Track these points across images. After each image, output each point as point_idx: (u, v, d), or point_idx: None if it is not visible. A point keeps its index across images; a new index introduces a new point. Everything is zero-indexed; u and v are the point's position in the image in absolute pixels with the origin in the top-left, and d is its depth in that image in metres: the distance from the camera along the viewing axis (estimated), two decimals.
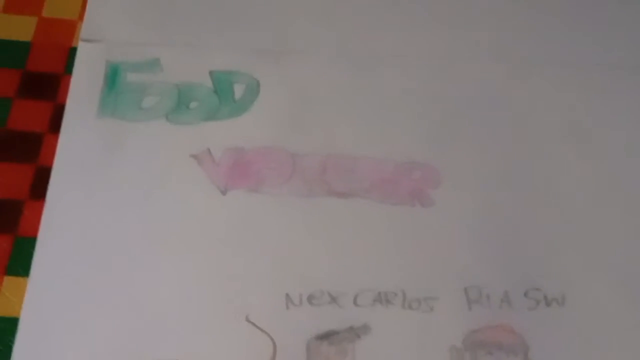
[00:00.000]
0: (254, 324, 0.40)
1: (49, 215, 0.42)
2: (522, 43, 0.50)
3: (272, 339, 0.39)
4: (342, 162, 0.45)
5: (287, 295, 0.40)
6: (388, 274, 0.42)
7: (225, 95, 0.46)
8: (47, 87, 0.46)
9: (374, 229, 0.43)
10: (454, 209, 0.44)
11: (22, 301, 0.39)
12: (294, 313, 0.40)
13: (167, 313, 0.40)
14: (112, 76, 0.46)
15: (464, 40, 0.49)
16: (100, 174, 0.43)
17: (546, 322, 0.41)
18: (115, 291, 0.40)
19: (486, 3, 0.51)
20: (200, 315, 0.40)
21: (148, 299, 0.40)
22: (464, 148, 0.46)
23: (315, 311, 0.40)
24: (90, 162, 0.43)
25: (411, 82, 0.48)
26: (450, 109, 0.47)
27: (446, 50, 0.49)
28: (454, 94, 0.47)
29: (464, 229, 0.43)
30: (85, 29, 0.48)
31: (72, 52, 0.47)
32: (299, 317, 0.40)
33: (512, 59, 0.49)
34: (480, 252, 0.42)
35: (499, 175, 0.45)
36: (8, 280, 0.40)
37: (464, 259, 0.42)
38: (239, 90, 0.47)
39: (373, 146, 0.45)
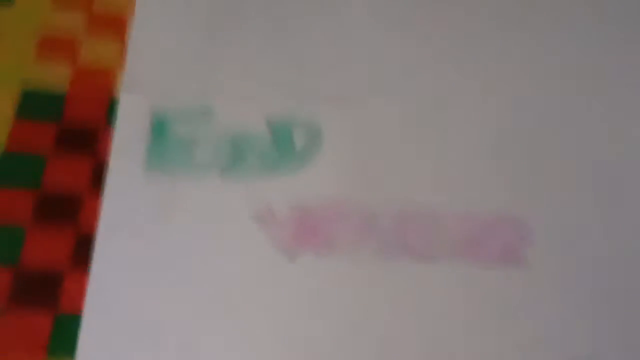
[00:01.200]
0: None
1: (95, 288, 0.38)
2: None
3: None
4: (421, 219, 0.40)
5: None
6: (478, 345, 0.37)
7: (285, 146, 0.42)
8: (86, 142, 0.42)
9: (461, 295, 0.38)
10: (551, 269, 0.39)
11: None
12: None
13: None
14: (159, 128, 0.42)
15: (545, 73, 0.46)
16: (150, 240, 0.39)
17: None
18: None
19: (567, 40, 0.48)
20: None
21: None
22: (556, 198, 0.41)
23: None
24: (138, 226, 0.39)
25: (491, 123, 0.44)
26: (539, 151, 0.43)
27: (527, 84, 0.45)
28: (541, 135, 0.44)
29: (563, 292, 0.39)
30: (127, 78, 0.44)
31: (112, 102, 0.43)
32: None
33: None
34: (586, 317, 0.38)
35: (600, 228, 0.41)
36: None
37: (567, 325, 0.38)
38: (299, 139, 0.43)
39: (454, 199, 0.41)
